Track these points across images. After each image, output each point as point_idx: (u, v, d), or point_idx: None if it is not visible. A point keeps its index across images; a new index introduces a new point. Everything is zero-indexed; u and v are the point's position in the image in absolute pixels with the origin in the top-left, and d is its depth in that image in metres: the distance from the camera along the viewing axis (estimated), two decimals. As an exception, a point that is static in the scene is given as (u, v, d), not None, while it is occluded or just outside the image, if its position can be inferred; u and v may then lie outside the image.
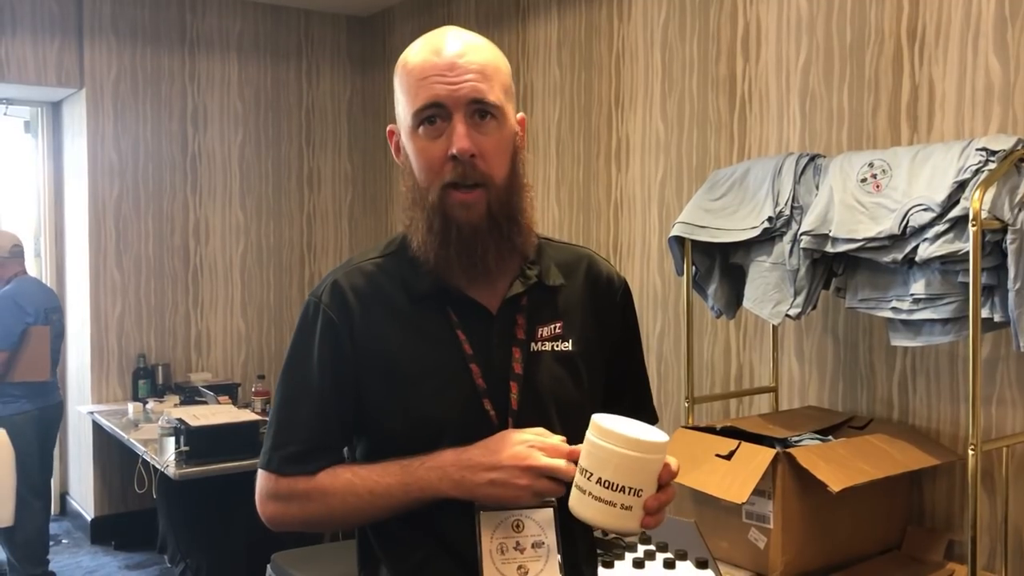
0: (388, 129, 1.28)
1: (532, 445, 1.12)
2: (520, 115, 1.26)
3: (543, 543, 1.15)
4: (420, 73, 1.18)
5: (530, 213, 1.23)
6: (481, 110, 1.17)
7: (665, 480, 1.11)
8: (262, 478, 1.23)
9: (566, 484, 1.11)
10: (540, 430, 1.16)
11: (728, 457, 2.22)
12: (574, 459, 1.10)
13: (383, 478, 1.16)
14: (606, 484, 1.06)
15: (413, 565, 1.21)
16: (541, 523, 1.16)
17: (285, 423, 1.22)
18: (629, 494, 1.06)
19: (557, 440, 1.14)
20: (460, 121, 1.16)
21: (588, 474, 1.07)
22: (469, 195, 1.16)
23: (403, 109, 1.21)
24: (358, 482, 1.17)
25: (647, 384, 1.42)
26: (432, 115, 1.17)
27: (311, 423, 1.21)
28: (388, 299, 1.23)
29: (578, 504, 1.09)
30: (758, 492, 2.16)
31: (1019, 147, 2.07)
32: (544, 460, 1.11)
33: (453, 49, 1.18)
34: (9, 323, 3.93)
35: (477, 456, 1.13)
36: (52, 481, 4.43)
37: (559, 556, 1.16)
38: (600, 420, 1.09)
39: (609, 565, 2.05)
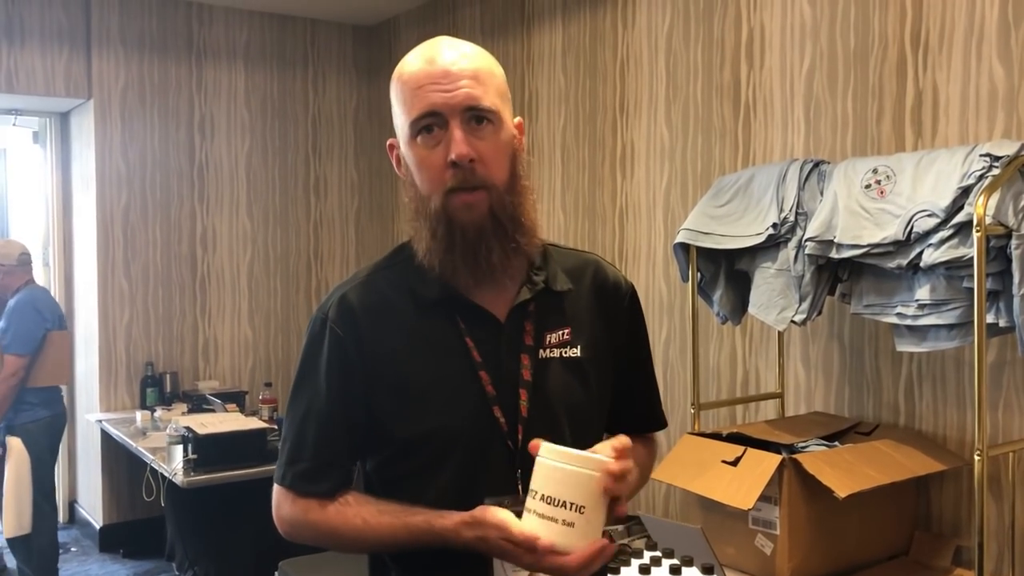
0: (388, 143, 1.29)
1: (499, 540, 1.10)
2: (517, 119, 1.27)
3: None
4: (415, 83, 1.19)
5: (533, 214, 1.24)
6: (477, 116, 1.18)
7: (612, 491, 1.09)
8: (277, 492, 1.26)
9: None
10: (502, 522, 1.10)
11: (734, 463, 2.22)
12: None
13: (395, 533, 1.17)
14: (548, 500, 1.08)
15: (424, 572, 1.22)
16: None
17: (296, 440, 1.24)
18: (571, 510, 1.07)
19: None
20: (457, 127, 1.17)
21: (534, 493, 1.09)
22: (471, 196, 1.18)
23: (401, 120, 1.22)
24: (368, 533, 1.19)
25: (656, 389, 1.43)
26: (429, 124, 1.18)
27: (319, 441, 1.23)
28: (396, 311, 1.23)
29: (525, 524, 1.10)
30: (764, 498, 2.17)
31: (1023, 152, 2.08)
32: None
33: (446, 58, 1.19)
34: (31, 328, 3.97)
35: (465, 533, 1.12)
36: (60, 489, 4.45)
37: None
38: (548, 444, 1.11)
39: (615, 571, 2.06)
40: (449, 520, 1.13)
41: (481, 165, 1.18)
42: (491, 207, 1.19)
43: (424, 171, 1.20)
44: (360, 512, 1.20)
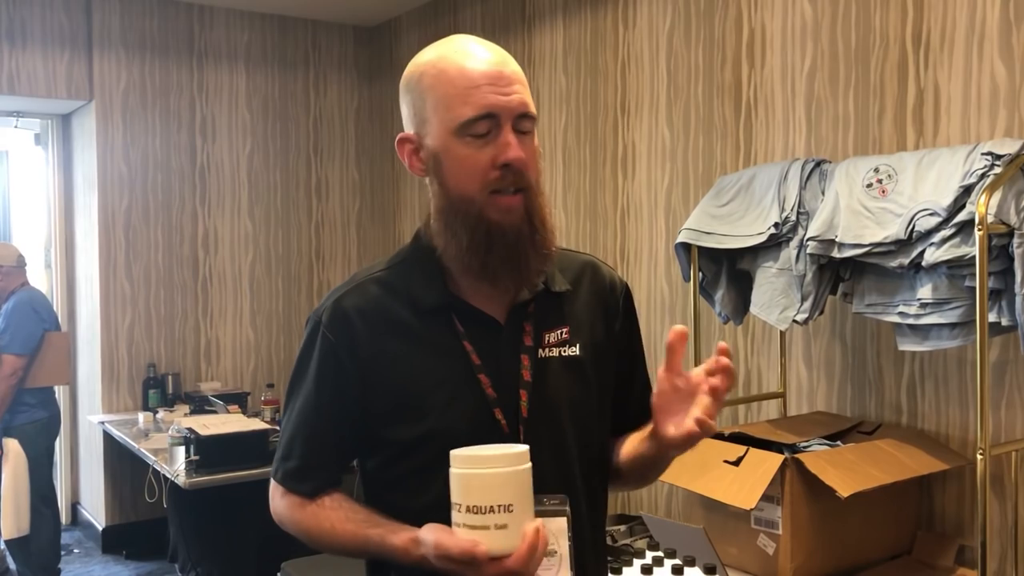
0: (399, 137, 1.25)
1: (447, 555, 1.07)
2: None
3: (556, 552, 1.15)
4: (469, 81, 1.17)
5: (551, 219, 1.25)
6: (525, 120, 1.20)
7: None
8: (272, 485, 1.31)
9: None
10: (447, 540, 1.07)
11: (736, 463, 2.22)
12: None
13: (356, 543, 1.20)
14: (474, 509, 1.04)
15: (423, 573, 1.21)
16: (555, 532, 1.16)
17: (288, 438, 1.28)
18: (500, 512, 1.04)
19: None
20: (510, 131, 1.17)
21: (458, 506, 1.06)
22: (512, 199, 1.19)
23: (443, 115, 1.18)
24: (335, 539, 1.22)
25: (651, 385, 1.43)
26: (483, 124, 1.17)
27: (307, 443, 1.26)
28: (393, 314, 1.23)
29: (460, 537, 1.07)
30: (767, 498, 2.16)
31: (1025, 151, 2.08)
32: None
33: (493, 58, 1.20)
34: (31, 329, 4.01)
35: (413, 552, 1.12)
36: (63, 491, 4.46)
37: (571, 564, 1.17)
38: (456, 452, 1.08)
39: (617, 572, 2.06)
40: (399, 539, 1.13)
41: (526, 169, 1.19)
42: (526, 210, 1.20)
43: (466, 170, 1.18)
44: (330, 516, 1.23)
